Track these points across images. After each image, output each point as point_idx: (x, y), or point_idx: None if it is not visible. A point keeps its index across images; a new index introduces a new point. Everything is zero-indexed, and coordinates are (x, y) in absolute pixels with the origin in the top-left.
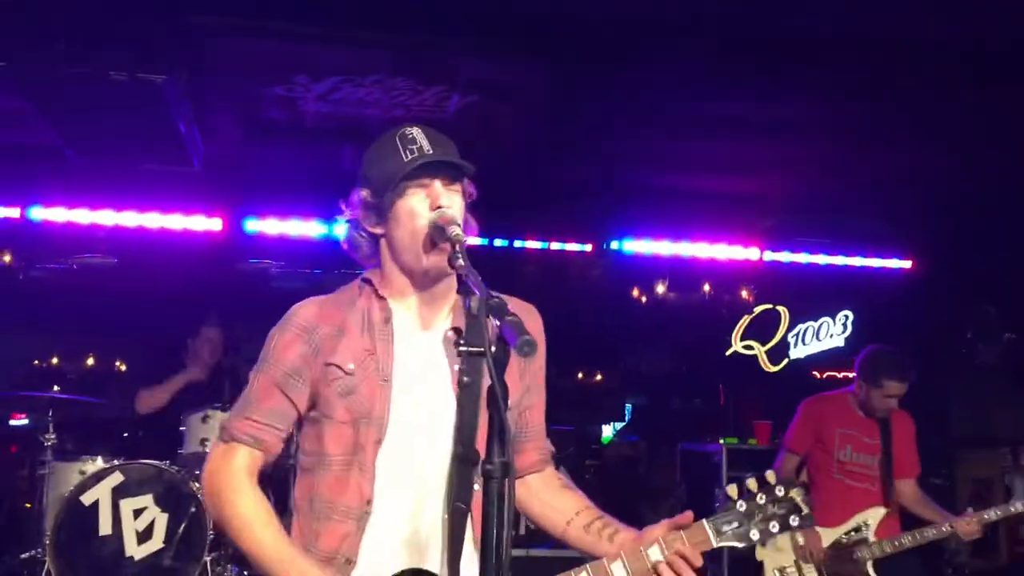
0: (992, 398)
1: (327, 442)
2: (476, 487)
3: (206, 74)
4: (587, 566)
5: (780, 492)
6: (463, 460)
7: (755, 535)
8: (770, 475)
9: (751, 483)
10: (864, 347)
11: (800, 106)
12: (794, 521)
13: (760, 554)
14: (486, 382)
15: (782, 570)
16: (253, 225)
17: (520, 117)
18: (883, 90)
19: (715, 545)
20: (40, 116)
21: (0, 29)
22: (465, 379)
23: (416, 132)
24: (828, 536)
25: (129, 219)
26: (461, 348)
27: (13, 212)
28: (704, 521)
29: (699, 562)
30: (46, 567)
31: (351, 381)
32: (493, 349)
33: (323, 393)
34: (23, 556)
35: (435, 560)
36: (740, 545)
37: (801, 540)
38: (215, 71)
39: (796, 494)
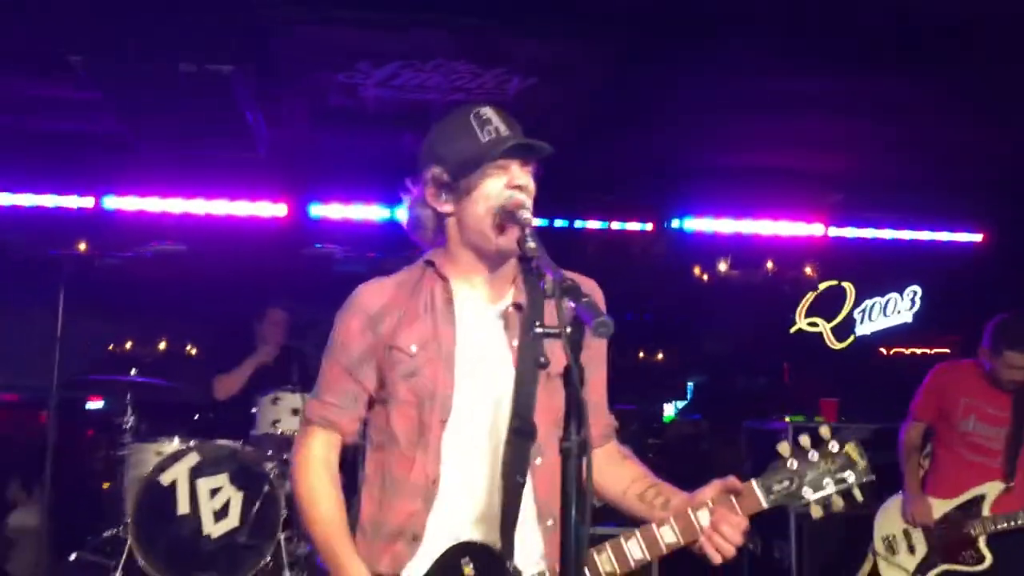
0: None
1: (393, 422)
2: (538, 461)
3: (270, 64)
4: (636, 531)
5: (835, 448)
6: (520, 434)
7: (808, 494)
8: (824, 430)
9: (804, 440)
10: (932, 322)
11: (865, 81)
12: (850, 478)
13: (877, 519)
14: (555, 361)
15: (891, 538)
16: (317, 210)
17: (579, 97)
18: (951, 64)
19: (765, 506)
20: (112, 108)
21: (75, 25)
22: (542, 360)
23: (491, 112)
24: (940, 508)
25: (198, 206)
26: (537, 331)
27: (87, 202)
28: (753, 481)
29: (744, 523)
30: (127, 545)
31: (414, 363)
32: (568, 330)
33: (388, 375)
34: (105, 535)
35: (491, 534)
36: (793, 505)
37: (908, 507)
38: (279, 61)
39: (851, 449)
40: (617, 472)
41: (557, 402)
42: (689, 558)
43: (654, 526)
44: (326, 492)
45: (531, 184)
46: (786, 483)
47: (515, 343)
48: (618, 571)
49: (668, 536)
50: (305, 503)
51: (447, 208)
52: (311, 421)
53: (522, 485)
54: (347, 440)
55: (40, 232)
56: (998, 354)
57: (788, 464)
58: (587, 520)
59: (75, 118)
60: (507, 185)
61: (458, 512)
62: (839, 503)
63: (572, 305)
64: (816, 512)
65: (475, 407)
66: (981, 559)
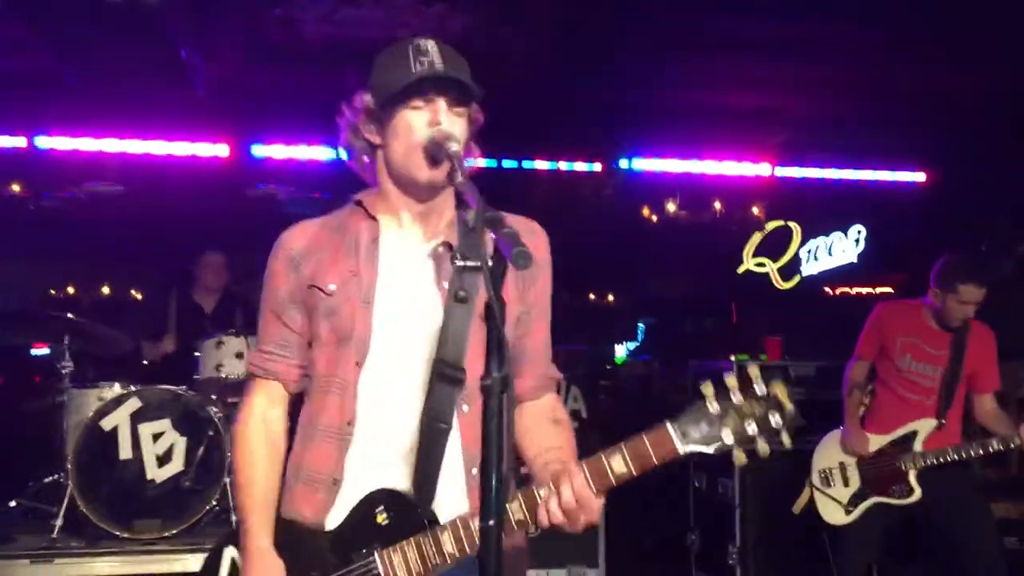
0: (1008, 310)
1: (316, 363)
2: (465, 408)
3: None
4: (518, 493)
5: (760, 389)
6: (446, 379)
7: (728, 438)
8: (752, 370)
9: (729, 380)
10: (876, 262)
11: (811, 23)
12: (775, 422)
13: (816, 452)
14: (481, 299)
15: (827, 470)
16: (260, 150)
17: (526, 36)
18: (894, 4)
19: (681, 451)
20: (40, 42)
21: None
22: (460, 293)
23: (430, 45)
24: (876, 443)
25: (135, 146)
26: (457, 262)
27: (20, 141)
28: (667, 423)
29: (592, 502)
30: (69, 490)
31: (332, 302)
32: (490, 263)
33: (312, 316)
34: (46, 480)
35: (418, 480)
36: (710, 450)
37: (845, 441)
38: None
39: (778, 389)
40: (539, 436)
41: None
42: (639, 495)
43: (519, 497)
44: (253, 452)
45: (458, 125)
46: (703, 425)
47: (445, 284)
48: (528, 519)
49: (517, 513)
50: (235, 462)
51: (375, 139)
52: (253, 374)
53: (446, 432)
54: (290, 389)
55: None
56: (951, 289)
57: (708, 405)
58: (507, 460)
59: (5, 55)
60: (429, 122)
61: (375, 456)
62: (764, 448)
63: (493, 236)
64: (740, 459)
65: (396, 348)
66: (910, 492)
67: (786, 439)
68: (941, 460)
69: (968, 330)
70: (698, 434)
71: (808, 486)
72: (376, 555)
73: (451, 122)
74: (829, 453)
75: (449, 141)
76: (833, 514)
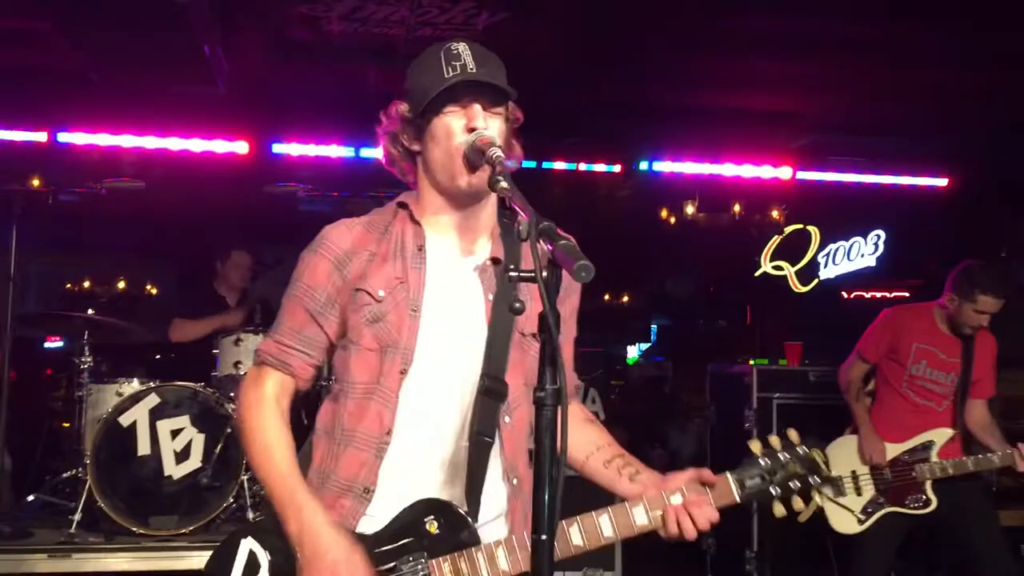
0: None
1: (352, 369)
2: (507, 419)
3: None
4: (608, 509)
5: (802, 452)
6: (489, 393)
7: (776, 491)
8: (792, 434)
9: (774, 440)
10: (895, 266)
11: (834, 23)
12: (814, 481)
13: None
14: (529, 318)
15: (838, 479)
16: (280, 148)
17: (550, 35)
18: (920, 8)
19: (737, 500)
20: (63, 37)
21: None
22: (517, 305)
23: (462, 48)
24: (890, 451)
25: (156, 143)
26: (511, 274)
27: (40, 136)
28: (728, 474)
29: (716, 517)
30: (87, 485)
31: (380, 309)
32: (544, 274)
33: (351, 319)
34: (65, 475)
35: (454, 492)
36: (762, 501)
37: (865, 449)
38: None
39: (817, 455)
40: (582, 436)
41: (529, 361)
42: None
43: (628, 505)
44: (280, 434)
45: (495, 126)
46: (758, 479)
47: (490, 297)
48: (587, 546)
49: (641, 518)
50: (257, 442)
51: (415, 146)
52: (265, 362)
53: (490, 444)
54: (300, 386)
55: None
56: (969, 298)
57: (760, 462)
58: (562, 472)
59: (29, 50)
60: (465, 126)
61: (413, 466)
62: (800, 504)
63: (548, 247)
64: (779, 511)
65: (440, 360)
66: (927, 503)
67: (818, 499)
68: (959, 470)
69: (975, 336)
70: (752, 484)
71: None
72: (424, 563)
73: (487, 123)
74: (839, 460)
75: (490, 147)
76: (845, 524)
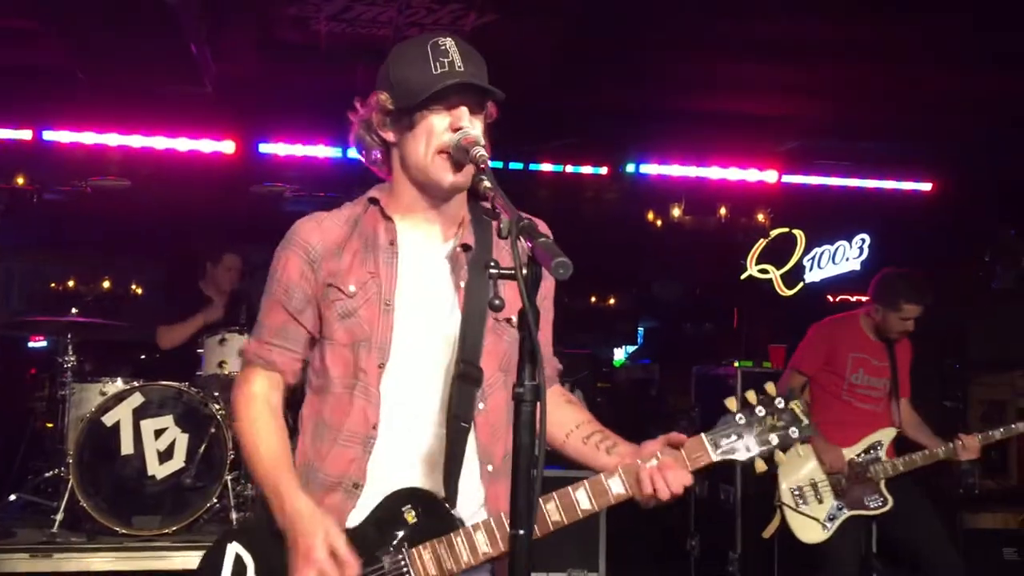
0: (1009, 322)
1: (328, 364)
2: (481, 405)
3: None
4: (584, 482)
5: (780, 404)
6: (465, 378)
7: (753, 448)
8: (770, 387)
9: (750, 395)
10: (879, 270)
11: (820, 27)
12: (793, 433)
13: (781, 472)
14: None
15: (798, 489)
16: (266, 148)
17: (537, 37)
18: (905, 11)
19: (714, 459)
20: (50, 36)
21: None
22: (496, 302)
23: (449, 44)
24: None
25: (142, 141)
26: (491, 271)
27: (25, 134)
28: (702, 435)
29: (689, 480)
30: (70, 485)
31: (351, 304)
32: (524, 271)
33: (325, 314)
34: (47, 475)
35: (436, 478)
36: (740, 458)
37: (824, 457)
38: None
39: (796, 406)
40: (561, 416)
41: (503, 346)
42: (633, 528)
43: (603, 476)
44: (268, 428)
45: (478, 127)
46: (733, 437)
47: (463, 284)
48: (565, 520)
49: (616, 487)
50: (247, 439)
51: (390, 137)
52: (252, 361)
53: (467, 430)
54: (288, 380)
55: None
56: (894, 307)
57: (736, 419)
58: (541, 468)
59: (15, 48)
60: (451, 126)
61: (398, 458)
62: (781, 457)
63: (529, 245)
64: (760, 466)
65: (417, 351)
66: (885, 502)
67: (799, 450)
68: (908, 465)
69: (895, 339)
70: (727, 444)
71: (778, 506)
72: (405, 552)
73: (471, 124)
74: (796, 470)
75: (475, 147)
76: (809, 533)
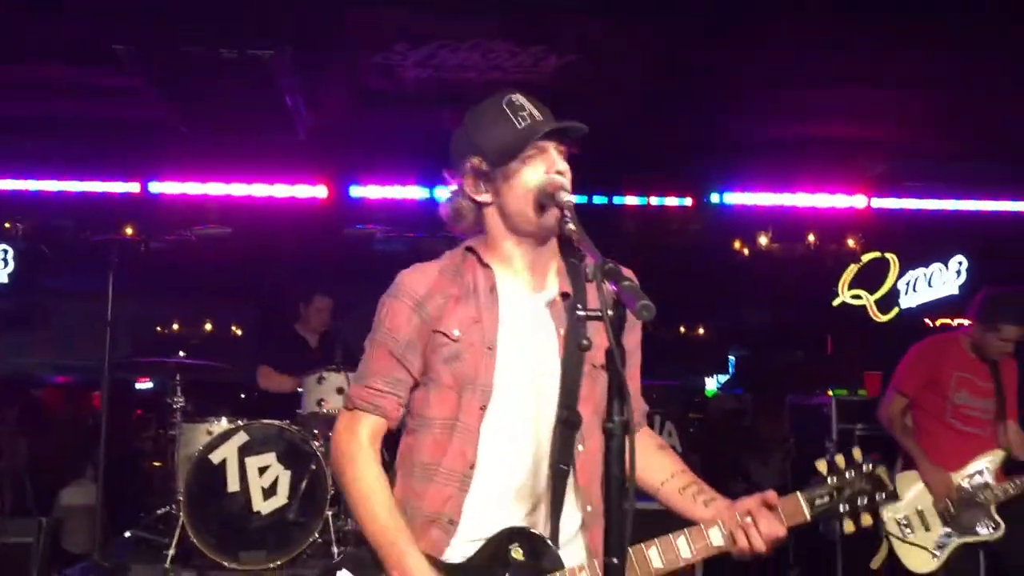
0: None
1: (432, 405)
2: (580, 448)
3: (308, 48)
4: (685, 531)
5: (866, 468)
6: (565, 423)
7: (844, 508)
8: (856, 452)
9: (839, 459)
10: (979, 291)
11: (909, 53)
12: (879, 497)
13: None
14: (597, 348)
15: (905, 518)
16: (357, 191)
17: (616, 74)
18: (997, 35)
19: (808, 518)
20: (156, 94)
21: (119, 15)
22: (584, 343)
23: (522, 99)
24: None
25: (241, 190)
26: (579, 313)
27: (133, 187)
28: (798, 494)
29: (783, 532)
30: (180, 521)
31: (456, 348)
32: (610, 313)
33: (431, 359)
34: (158, 512)
35: (536, 519)
36: (831, 518)
37: (930, 482)
38: (317, 44)
39: (881, 472)
40: (656, 463)
41: (599, 391)
42: (730, 561)
43: (703, 527)
44: (378, 482)
45: (568, 172)
46: (827, 498)
47: (561, 331)
48: (666, 567)
49: (716, 538)
50: (358, 493)
51: (486, 198)
52: (357, 406)
53: (567, 472)
54: (391, 425)
55: (88, 217)
56: (992, 328)
57: (828, 480)
58: (632, 501)
59: (121, 105)
60: (547, 171)
61: (494, 497)
62: (867, 520)
63: (613, 288)
64: (848, 527)
65: (517, 394)
66: (998, 527)
67: (884, 514)
68: (1018, 489)
69: (1000, 360)
70: (821, 503)
71: (884, 537)
72: None
73: (564, 165)
74: (902, 501)
75: (560, 191)
76: (919, 562)
